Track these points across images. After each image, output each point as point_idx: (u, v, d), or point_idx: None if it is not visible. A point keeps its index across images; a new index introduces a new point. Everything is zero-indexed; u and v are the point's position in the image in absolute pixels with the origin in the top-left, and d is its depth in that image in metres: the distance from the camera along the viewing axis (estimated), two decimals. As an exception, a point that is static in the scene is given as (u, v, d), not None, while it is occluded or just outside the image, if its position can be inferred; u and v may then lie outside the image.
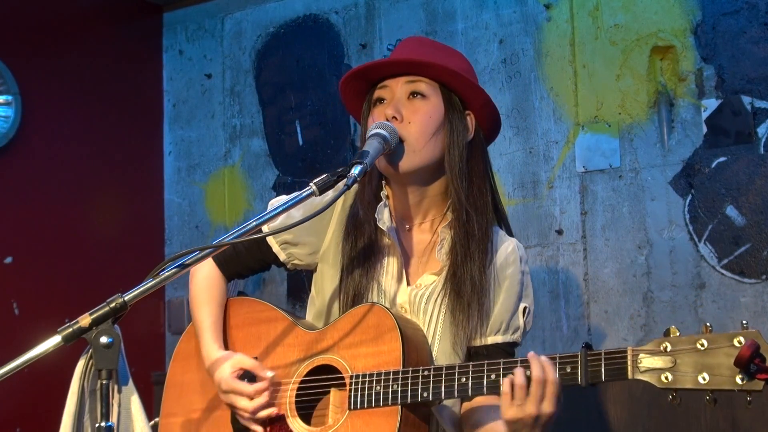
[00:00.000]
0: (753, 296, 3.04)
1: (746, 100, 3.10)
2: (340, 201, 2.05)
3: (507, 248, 2.13)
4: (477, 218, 2.08)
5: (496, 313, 2.08)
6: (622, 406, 3.08)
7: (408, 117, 2.05)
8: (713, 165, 3.14)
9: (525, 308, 2.12)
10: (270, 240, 2.16)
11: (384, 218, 2.07)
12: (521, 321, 2.11)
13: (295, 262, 2.19)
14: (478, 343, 2.07)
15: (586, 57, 3.39)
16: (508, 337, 2.10)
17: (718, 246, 3.11)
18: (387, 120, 2.04)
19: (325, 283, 2.13)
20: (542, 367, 1.79)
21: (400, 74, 2.10)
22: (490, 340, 2.08)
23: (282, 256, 2.17)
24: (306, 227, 2.10)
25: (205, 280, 2.22)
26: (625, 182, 3.28)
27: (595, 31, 3.38)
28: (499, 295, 2.09)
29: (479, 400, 1.99)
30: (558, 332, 3.35)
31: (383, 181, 2.13)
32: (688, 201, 3.18)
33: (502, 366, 1.84)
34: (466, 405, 2.03)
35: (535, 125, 3.47)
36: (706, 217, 3.14)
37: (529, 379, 1.80)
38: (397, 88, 2.09)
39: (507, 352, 2.10)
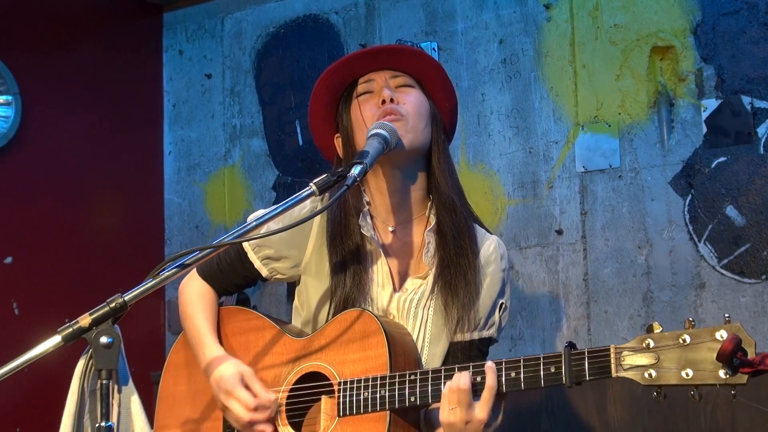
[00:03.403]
0: (753, 296, 3.04)
1: (746, 100, 3.10)
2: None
3: (489, 247, 2.14)
4: (462, 210, 2.11)
5: (476, 309, 2.09)
6: (622, 406, 3.08)
7: (402, 100, 2.08)
8: (713, 165, 3.14)
9: (502, 304, 2.13)
10: (251, 256, 2.14)
11: (367, 225, 2.08)
12: (497, 317, 2.13)
13: (278, 276, 2.17)
14: (457, 338, 2.08)
15: (586, 57, 3.39)
16: (484, 333, 2.11)
17: (718, 246, 3.11)
18: (384, 102, 2.05)
19: (310, 295, 2.13)
20: (466, 377, 1.81)
21: (382, 69, 2.11)
22: (467, 336, 2.09)
23: (264, 272, 2.16)
24: (287, 240, 2.11)
25: (196, 293, 2.21)
26: (625, 182, 3.28)
27: (595, 31, 3.38)
28: (480, 291, 2.10)
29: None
30: (558, 332, 3.35)
31: (363, 188, 2.13)
32: (688, 201, 3.18)
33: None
34: (433, 404, 2.03)
35: (535, 125, 3.47)
36: (706, 217, 3.14)
37: (473, 384, 1.82)
38: (382, 81, 2.11)
39: (480, 349, 2.12)
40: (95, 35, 4.14)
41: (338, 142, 2.17)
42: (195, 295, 2.21)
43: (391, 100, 2.05)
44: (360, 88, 2.12)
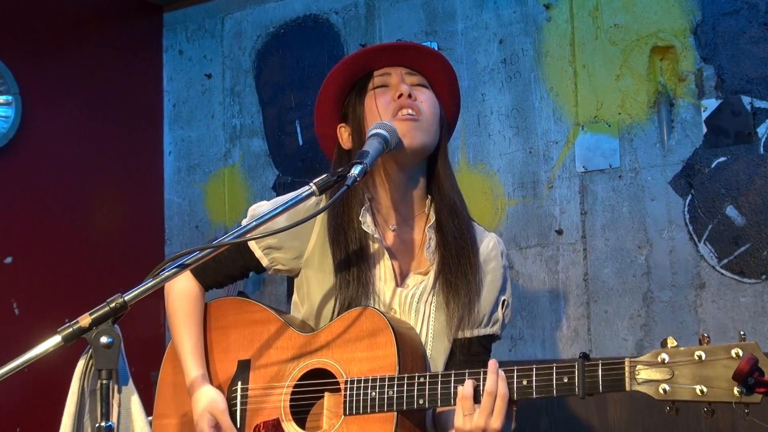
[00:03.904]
0: (753, 296, 3.04)
1: (746, 100, 3.10)
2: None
3: (488, 244, 2.16)
4: (462, 211, 2.12)
5: (479, 306, 2.09)
6: (622, 406, 3.08)
7: (419, 98, 2.09)
8: (713, 165, 3.14)
9: (504, 301, 2.13)
10: (252, 245, 2.14)
11: (368, 221, 2.08)
12: (501, 314, 2.13)
13: (278, 267, 2.17)
14: (461, 335, 2.08)
15: (586, 57, 3.39)
16: (488, 330, 2.12)
17: (718, 246, 3.11)
18: (401, 96, 2.06)
19: (312, 288, 2.13)
20: (495, 380, 1.80)
21: (398, 65, 2.12)
22: (470, 333, 2.09)
23: (264, 261, 2.16)
24: (290, 232, 2.10)
25: (182, 295, 2.21)
26: (625, 182, 3.28)
27: (595, 31, 3.38)
28: (482, 288, 2.11)
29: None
30: (558, 332, 3.35)
31: (364, 186, 2.13)
32: (688, 201, 3.18)
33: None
34: (441, 407, 2.02)
35: (535, 125, 3.47)
36: (706, 217, 3.14)
37: (476, 389, 1.82)
38: (398, 76, 2.12)
39: (484, 346, 2.12)
40: (95, 35, 4.14)
41: (342, 132, 2.18)
42: (181, 300, 2.20)
43: (409, 96, 2.06)
44: (376, 80, 2.12)
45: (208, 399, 2.06)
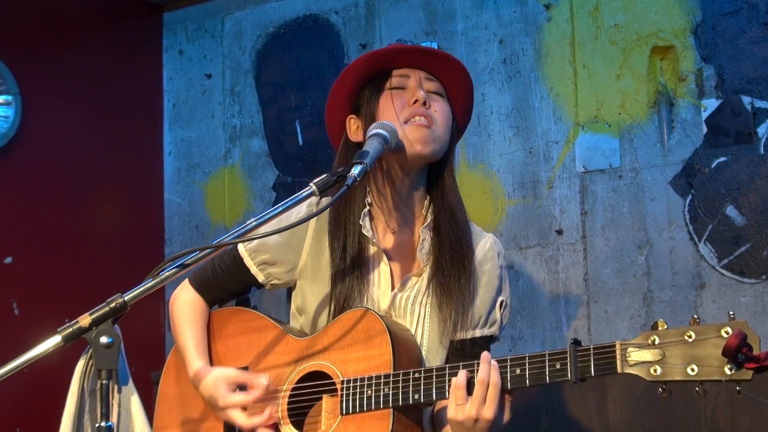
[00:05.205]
0: (753, 296, 3.04)
1: (746, 100, 3.10)
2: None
3: (485, 245, 2.16)
4: (459, 215, 2.12)
5: (474, 308, 2.10)
6: (622, 406, 3.08)
7: (434, 107, 2.09)
8: (713, 165, 3.14)
9: (502, 302, 2.14)
10: (247, 261, 2.16)
11: (367, 226, 2.08)
12: (498, 315, 2.13)
13: (274, 282, 2.18)
14: (458, 337, 2.08)
15: (586, 57, 3.39)
16: (485, 331, 2.12)
17: (718, 246, 3.11)
18: (417, 102, 2.06)
19: (308, 298, 2.13)
20: (487, 370, 1.81)
21: (418, 68, 2.12)
22: (469, 334, 2.09)
23: (260, 277, 2.17)
24: (282, 244, 2.12)
25: (185, 304, 2.23)
26: (625, 182, 3.28)
27: (595, 31, 3.38)
28: (477, 291, 2.11)
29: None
30: (558, 332, 3.35)
31: (367, 189, 2.13)
32: (688, 201, 3.18)
33: None
34: (440, 403, 2.02)
35: (535, 125, 3.47)
36: (706, 217, 3.14)
37: (471, 380, 1.82)
38: (416, 80, 2.11)
39: (482, 347, 2.12)
40: (95, 35, 4.14)
41: (351, 123, 2.18)
42: (184, 308, 2.22)
43: (424, 103, 2.06)
44: (394, 80, 2.12)
45: (216, 374, 2.05)
